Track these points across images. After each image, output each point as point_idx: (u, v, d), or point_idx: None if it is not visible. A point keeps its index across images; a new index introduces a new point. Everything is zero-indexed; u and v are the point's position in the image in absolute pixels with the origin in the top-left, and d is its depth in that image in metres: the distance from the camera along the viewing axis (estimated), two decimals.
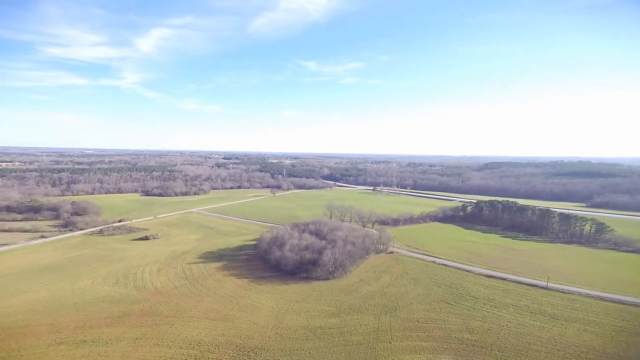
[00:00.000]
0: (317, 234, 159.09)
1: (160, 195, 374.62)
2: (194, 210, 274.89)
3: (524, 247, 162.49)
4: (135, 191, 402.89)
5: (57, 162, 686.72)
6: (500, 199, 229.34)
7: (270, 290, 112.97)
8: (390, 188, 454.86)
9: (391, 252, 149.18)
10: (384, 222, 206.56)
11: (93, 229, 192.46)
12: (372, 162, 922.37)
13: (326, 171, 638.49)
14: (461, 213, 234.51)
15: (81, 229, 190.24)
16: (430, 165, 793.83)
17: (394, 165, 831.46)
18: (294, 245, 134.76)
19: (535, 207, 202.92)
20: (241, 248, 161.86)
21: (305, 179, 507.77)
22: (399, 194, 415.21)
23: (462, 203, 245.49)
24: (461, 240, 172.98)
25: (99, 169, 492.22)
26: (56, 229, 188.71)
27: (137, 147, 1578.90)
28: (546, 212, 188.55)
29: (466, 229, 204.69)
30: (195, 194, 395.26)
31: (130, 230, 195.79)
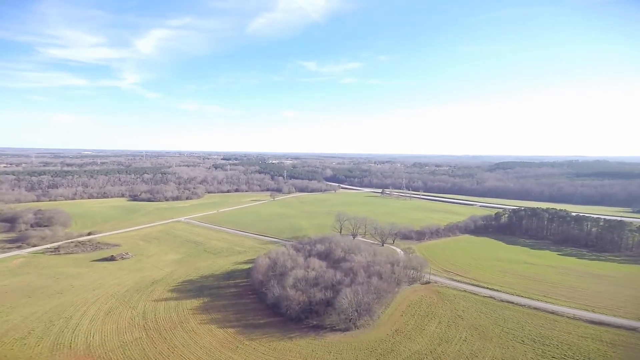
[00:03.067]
0: (328, 257, 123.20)
1: (149, 200, 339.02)
2: (182, 219, 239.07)
3: (608, 272, 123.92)
4: (122, 195, 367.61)
5: (46, 164, 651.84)
6: (544, 205, 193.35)
7: (266, 351, 76.98)
8: (400, 191, 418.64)
9: (428, 282, 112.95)
10: (406, 237, 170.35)
11: (50, 245, 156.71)
12: (375, 162, 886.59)
13: (329, 172, 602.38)
14: (493, 222, 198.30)
15: (34, 246, 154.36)
16: (436, 166, 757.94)
17: (399, 165, 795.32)
18: (299, 278, 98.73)
19: (598, 216, 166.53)
20: (231, 274, 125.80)
21: (308, 180, 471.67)
22: (410, 197, 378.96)
23: (496, 211, 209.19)
24: (511, 261, 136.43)
25: (85, 171, 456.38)
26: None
27: (137, 148, 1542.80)
28: (618, 224, 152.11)
29: (507, 243, 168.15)
30: (187, 198, 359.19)
31: (96, 246, 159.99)
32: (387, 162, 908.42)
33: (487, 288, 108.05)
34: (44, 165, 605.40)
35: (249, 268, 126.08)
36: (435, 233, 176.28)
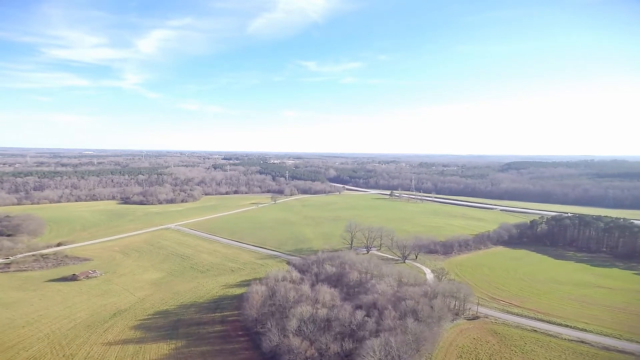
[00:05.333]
0: (340, 281, 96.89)
1: (141, 203, 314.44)
2: (172, 225, 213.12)
3: None
4: (113, 198, 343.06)
5: (40, 164, 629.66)
6: (570, 209, 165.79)
7: None
8: (410, 192, 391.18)
9: (476, 317, 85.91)
10: (431, 250, 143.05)
11: (3, 260, 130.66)
12: (379, 162, 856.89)
13: (332, 172, 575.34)
14: (529, 231, 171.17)
15: None
16: (444, 166, 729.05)
17: (404, 165, 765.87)
18: (307, 317, 72.31)
19: None
20: (218, 303, 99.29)
21: (311, 182, 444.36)
22: (421, 200, 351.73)
23: (525, 217, 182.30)
24: (577, 284, 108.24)
25: (76, 172, 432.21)
26: None
27: (139, 148, 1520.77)
28: None
29: (554, 257, 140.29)
30: (182, 201, 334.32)
31: (61, 261, 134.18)
32: (391, 162, 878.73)
33: (567, 326, 79.73)
34: (37, 166, 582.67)
35: (242, 294, 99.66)
36: (464, 245, 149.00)
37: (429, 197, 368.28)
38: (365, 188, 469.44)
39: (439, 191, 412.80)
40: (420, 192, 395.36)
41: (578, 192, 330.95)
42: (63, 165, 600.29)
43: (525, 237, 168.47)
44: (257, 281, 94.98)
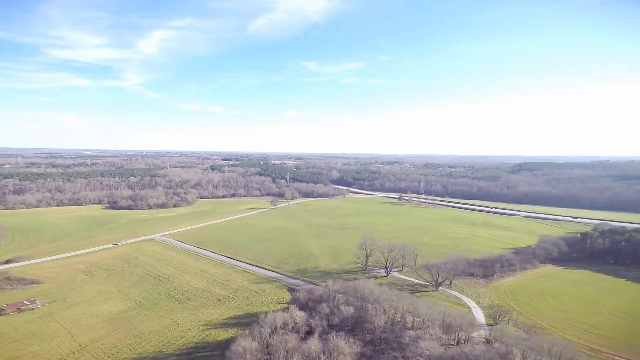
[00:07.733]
0: (360, 326, 68.89)
1: (129, 208, 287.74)
2: (157, 236, 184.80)
3: None
4: (100, 202, 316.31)
5: (31, 164, 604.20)
6: (603, 215, 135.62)
7: None
8: (420, 196, 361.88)
9: None
10: (469, 273, 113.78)
11: None
12: (382, 163, 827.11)
13: (335, 174, 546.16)
14: (579, 245, 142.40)
15: None
16: (450, 167, 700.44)
17: (409, 166, 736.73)
18: None
19: None
20: (192, 357, 70.69)
21: (313, 184, 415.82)
22: (433, 204, 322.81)
23: (583, 230, 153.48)
24: None
25: (62, 174, 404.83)
26: None
27: (139, 148, 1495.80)
28: None
29: (635, 281, 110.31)
30: (175, 205, 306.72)
31: None
32: (395, 162, 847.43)
33: None
34: (27, 167, 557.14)
35: (228, 340, 71.23)
36: (507, 265, 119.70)
37: (441, 201, 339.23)
38: (371, 191, 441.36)
39: (449, 194, 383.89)
40: (431, 195, 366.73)
41: (608, 197, 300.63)
42: (55, 166, 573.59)
43: (574, 253, 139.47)
44: (247, 332, 66.16)
